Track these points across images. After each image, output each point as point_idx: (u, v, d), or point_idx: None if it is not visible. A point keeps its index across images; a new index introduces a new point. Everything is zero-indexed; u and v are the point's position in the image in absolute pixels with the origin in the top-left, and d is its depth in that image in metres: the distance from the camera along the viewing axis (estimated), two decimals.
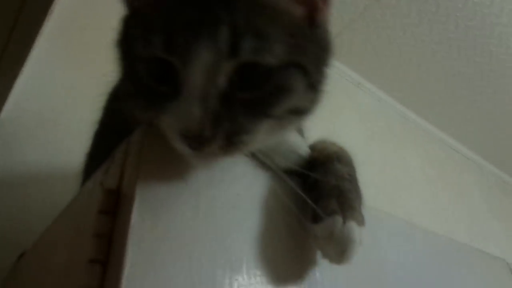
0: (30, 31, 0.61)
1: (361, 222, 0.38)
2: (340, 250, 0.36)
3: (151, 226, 0.30)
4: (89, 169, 0.47)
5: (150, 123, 0.34)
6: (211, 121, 0.32)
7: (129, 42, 0.36)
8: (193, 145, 0.32)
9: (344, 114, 1.70)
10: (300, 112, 0.38)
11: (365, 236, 0.37)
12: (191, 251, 0.31)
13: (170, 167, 0.33)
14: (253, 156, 0.40)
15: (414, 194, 1.77)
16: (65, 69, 0.87)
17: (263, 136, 0.36)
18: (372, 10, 1.59)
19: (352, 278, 0.42)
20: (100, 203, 0.31)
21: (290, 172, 0.42)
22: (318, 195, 0.39)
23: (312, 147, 0.44)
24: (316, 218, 0.38)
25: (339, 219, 0.37)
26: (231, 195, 0.36)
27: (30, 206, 0.74)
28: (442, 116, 2.05)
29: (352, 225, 0.37)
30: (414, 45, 1.73)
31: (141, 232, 0.29)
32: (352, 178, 0.41)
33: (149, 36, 0.33)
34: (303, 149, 0.42)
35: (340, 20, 1.61)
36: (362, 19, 1.63)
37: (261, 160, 0.40)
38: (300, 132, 0.47)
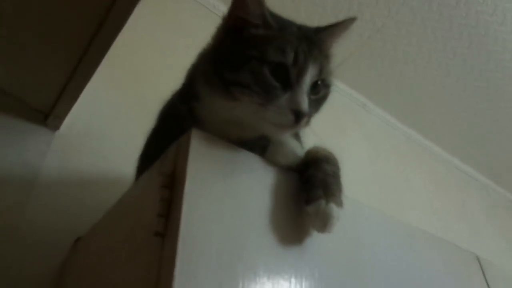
0: (95, 61, 0.79)
1: (339, 204, 0.53)
2: (323, 223, 0.51)
3: (197, 194, 0.46)
4: (144, 166, 0.63)
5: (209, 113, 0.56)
6: (308, 106, 0.55)
7: (256, 51, 0.56)
8: (298, 118, 0.54)
9: (350, 133, 1.84)
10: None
11: (347, 222, 0.53)
12: (223, 215, 0.47)
13: (210, 159, 0.50)
14: (263, 155, 0.56)
15: (417, 211, 1.85)
16: (112, 93, 1.06)
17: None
18: (374, 39, 1.75)
19: (334, 266, 0.56)
20: (161, 181, 0.48)
21: (291, 169, 0.58)
22: (310, 186, 0.55)
23: (308, 151, 0.60)
24: (308, 201, 0.53)
25: (323, 201, 0.52)
26: (248, 182, 0.52)
27: (81, 203, 0.91)
28: (444, 136, 2.16)
29: (332, 205, 0.52)
30: (414, 69, 1.87)
31: (191, 198, 0.45)
32: (335, 175, 0.57)
33: (283, 51, 0.56)
34: (299, 151, 0.58)
35: (345, 47, 1.78)
36: (366, 47, 1.79)
37: (269, 158, 0.56)
38: (298, 138, 0.63)
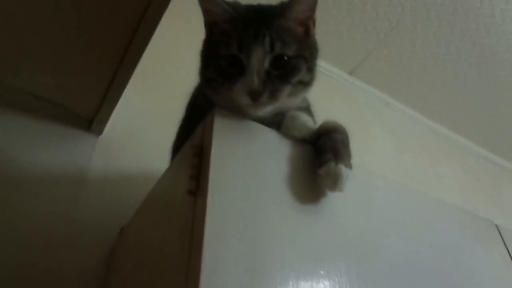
0: (129, 71, 0.90)
1: (348, 166, 0.60)
2: (334, 182, 0.58)
3: (222, 160, 0.54)
4: (177, 151, 0.72)
5: (219, 104, 0.62)
6: (262, 84, 0.61)
7: (214, 49, 0.65)
8: (253, 97, 0.60)
9: (375, 131, 1.87)
10: (304, 84, 0.67)
11: (360, 187, 0.60)
12: (244, 176, 0.55)
13: (232, 131, 0.58)
14: (279, 129, 0.64)
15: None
16: (145, 100, 1.18)
17: (287, 96, 0.64)
18: (391, 37, 1.79)
19: (347, 225, 0.62)
20: (192, 152, 0.56)
21: (304, 141, 0.65)
22: (321, 152, 0.62)
23: (320, 125, 0.68)
24: (320, 165, 0.61)
25: (332, 163, 0.59)
26: (266, 150, 0.60)
27: (124, 197, 1.02)
28: (471, 127, 2.14)
29: (341, 166, 0.59)
30: (434, 63, 1.89)
31: (217, 163, 0.53)
32: (343, 142, 0.64)
33: (228, 43, 0.62)
34: (311, 124, 0.66)
35: (364, 48, 1.84)
36: (383, 45, 1.84)
37: (284, 132, 0.64)
38: (310, 114, 0.71)
